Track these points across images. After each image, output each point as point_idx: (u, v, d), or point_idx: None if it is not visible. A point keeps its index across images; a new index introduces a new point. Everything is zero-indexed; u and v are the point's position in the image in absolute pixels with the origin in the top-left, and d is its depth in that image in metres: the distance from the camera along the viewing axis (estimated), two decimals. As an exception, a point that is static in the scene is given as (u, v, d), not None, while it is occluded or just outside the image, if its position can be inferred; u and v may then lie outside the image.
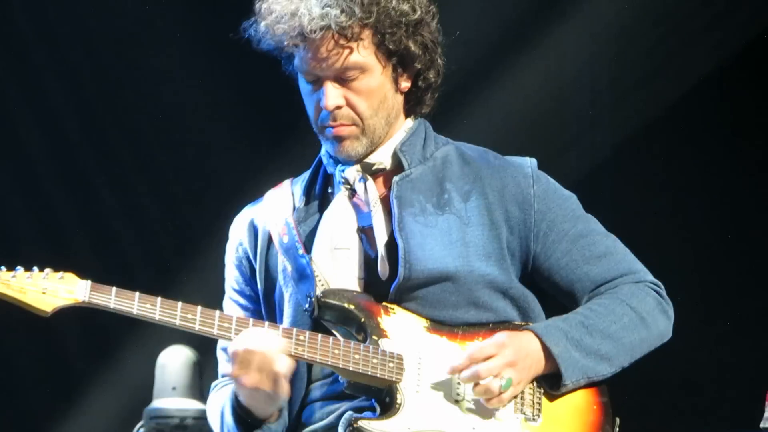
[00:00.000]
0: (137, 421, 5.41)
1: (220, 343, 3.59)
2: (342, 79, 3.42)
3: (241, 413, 3.34)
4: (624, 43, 5.91)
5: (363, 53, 3.41)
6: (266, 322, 3.34)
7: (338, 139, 3.45)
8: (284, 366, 3.24)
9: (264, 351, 3.21)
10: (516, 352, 3.32)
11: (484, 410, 3.32)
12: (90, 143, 6.31)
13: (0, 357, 6.22)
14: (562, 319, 3.43)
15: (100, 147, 6.31)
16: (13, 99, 6.20)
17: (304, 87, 3.49)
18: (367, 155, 3.49)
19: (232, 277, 3.64)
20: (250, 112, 6.19)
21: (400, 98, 3.53)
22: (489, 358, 3.29)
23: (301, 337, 3.28)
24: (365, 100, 3.44)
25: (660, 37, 5.88)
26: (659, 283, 3.55)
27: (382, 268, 3.41)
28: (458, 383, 3.33)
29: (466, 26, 5.27)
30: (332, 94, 3.42)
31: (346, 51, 3.39)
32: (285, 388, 3.28)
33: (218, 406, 3.48)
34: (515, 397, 3.35)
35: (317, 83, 3.45)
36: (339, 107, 3.42)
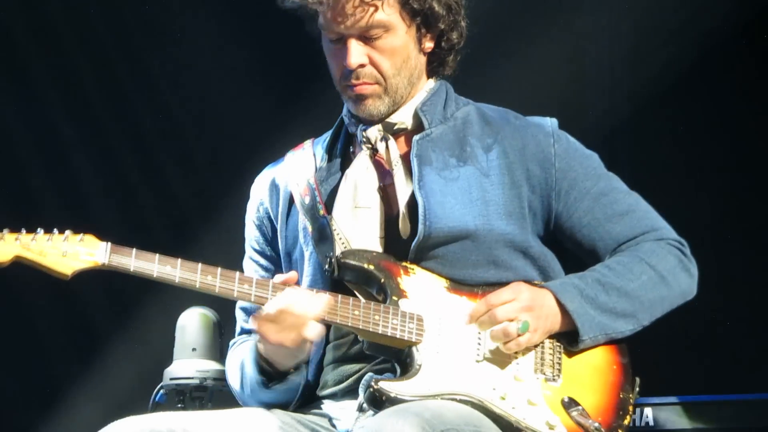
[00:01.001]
0: (157, 382, 5.42)
1: (239, 303, 3.61)
2: (366, 37, 3.42)
3: (263, 364, 3.35)
4: (642, 8, 5.88)
5: (387, 11, 3.41)
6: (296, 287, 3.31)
7: (360, 98, 3.45)
8: (313, 333, 3.24)
9: (299, 314, 3.21)
10: (533, 299, 3.33)
11: (504, 371, 3.32)
12: (109, 104, 6.31)
13: (22, 320, 6.25)
14: (578, 276, 3.43)
15: (118, 107, 6.32)
16: (37, 66, 6.21)
17: (327, 46, 3.49)
18: (388, 115, 3.49)
19: (252, 237, 3.65)
20: (271, 70, 6.18)
21: (423, 59, 3.53)
22: (506, 303, 3.30)
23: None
24: (388, 59, 3.43)
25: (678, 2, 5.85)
26: (682, 240, 3.54)
27: (403, 226, 3.41)
28: (478, 344, 3.33)
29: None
30: (355, 52, 3.41)
31: (371, 9, 3.39)
32: (308, 350, 3.30)
33: (238, 360, 3.50)
34: (535, 347, 3.35)
35: (340, 42, 3.44)
36: (362, 65, 3.42)
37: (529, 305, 3.31)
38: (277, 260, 3.59)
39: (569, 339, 3.39)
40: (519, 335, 3.29)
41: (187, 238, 6.04)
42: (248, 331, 3.57)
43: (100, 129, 6.32)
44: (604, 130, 5.74)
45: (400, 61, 3.45)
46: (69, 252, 3.11)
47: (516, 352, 3.34)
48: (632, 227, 3.49)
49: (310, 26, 3.51)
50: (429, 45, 3.52)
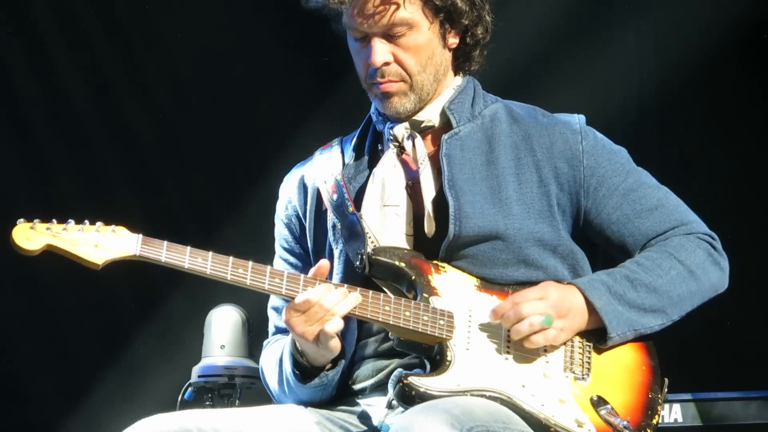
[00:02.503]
0: (186, 379, 5.44)
1: (271, 302, 3.62)
2: (389, 35, 3.42)
3: (300, 359, 3.36)
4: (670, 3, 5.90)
5: (410, 9, 3.40)
6: (329, 281, 3.32)
7: (386, 96, 3.45)
8: (332, 327, 3.24)
9: (328, 307, 3.22)
10: (560, 298, 3.32)
11: (533, 369, 3.32)
12: (136, 97, 6.34)
13: (49, 318, 6.28)
14: (606, 273, 3.42)
15: (146, 101, 6.34)
16: (60, 56, 6.24)
17: (352, 44, 3.49)
18: (415, 112, 3.49)
19: (281, 236, 3.66)
20: (299, 66, 6.19)
21: (449, 55, 3.52)
22: (532, 300, 3.30)
23: None
24: (413, 57, 3.43)
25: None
26: (713, 234, 3.53)
27: (429, 225, 3.41)
28: (508, 341, 3.33)
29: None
30: (380, 51, 3.41)
31: (393, 7, 3.39)
32: (334, 345, 3.29)
33: (274, 357, 3.51)
34: (564, 345, 3.35)
35: (365, 40, 3.44)
36: (387, 63, 3.42)
37: (555, 304, 3.31)
38: (306, 258, 3.59)
39: (598, 336, 3.38)
40: (543, 329, 3.29)
41: (214, 233, 6.06)
42: (282, 330, 3.58)
43: (128, 123, 6.35)
44: (633, 124, 5.74)
45: (425, 58, 3.45)
46: (101, 242, 3.12)
47: (545, 350, 3.34)
48: (662, 222, 3.48)
49: (336, 25, 3.51)
50: (453, 41, 3.51)
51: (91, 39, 6.27)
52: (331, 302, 3.22)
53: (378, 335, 3.43)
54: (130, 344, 6.32)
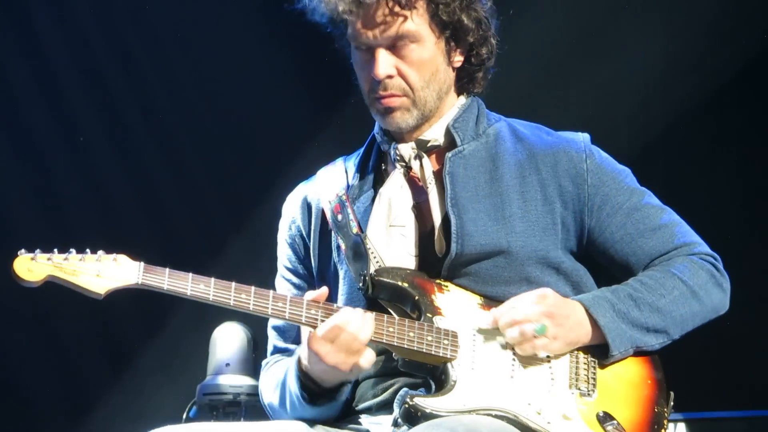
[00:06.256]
0: (191, 397, 5.44)
1: (271, 321, 3.62)
2: (394, 48, 3.41)
3: (306, 381, 3.33)
4: (678, 23, 5.89)
5: (416, 22, 3.40)
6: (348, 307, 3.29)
7: (389, 111, 3.44)
8: (368, 361, 3.24)
9: (353, 332, 3.21)
10: (557, 308, 3.32)
11: (539, 386, 3.32)
12: (140, 119, 6.35)
13: (55, 336, 6.28)
14: (610, 290, 3.43)
15: (150, 119, 6.35)
16: (65, 75, 6.25)
17: (356, 59, 3.48)
18: (417, 127, 3.48)
19: (284, 255, 3.65)
20: (304, 85, 6.20)
21: (452, 73, 3.52)
22: (527, 304, 3.30)
23: None
24: (417, 72, 3.43)
25: (715, 17, 5.84)
26: (715, 255, 3.53)
27: (438, 244, 3.41)
28: (513, 359, 3.33)
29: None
30: (383, 62, 3.41)
31: (400, 19, 3.39)
32: (356, 375, 3.30)
33: (275, 379, 3.50)
34: (569, 362, 3.35)
35: (369, 53, 3.43)
36: (390, 76, 3.42)
37: (551, 311, 3.31)
38: (309, 278, 3.59)
39: (599, 352, 3.39)
40: (535, 337, 3.29)
41: (219, 250, 6.07)
42: (281, 350, 3.59)
43: (132, 144, 6.35)
44: (638, 144, 5.74)
45: (429, 74, 3.44)
46: (102, 272, 3.12)
47: (550, 367, 3.34)
48: (665, 242, 3.48)
49: (340, 42, 3.52)
50: (458, 59, 3.51)
51: (96, 55, 6.28)
52: (356, 327, 3.21)
53: (382, 355, 3.41)
54: (135, 362, 6.32)
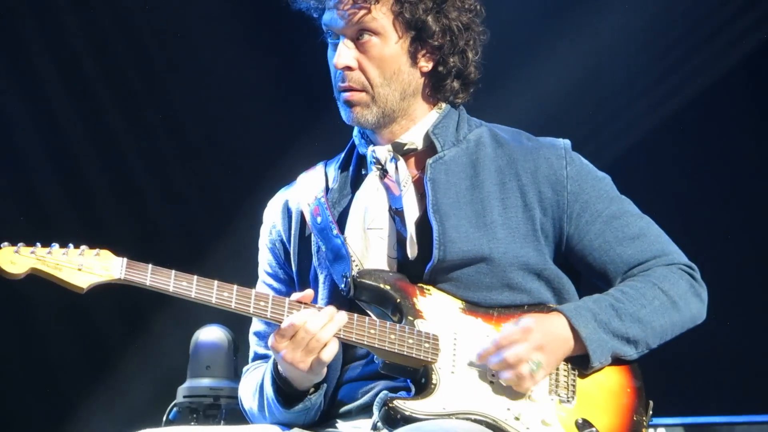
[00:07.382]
0: (171, 399, 5.43)
1: (253, 327, 3.62)
2: (357, 41, 3.43)
3: (281, 384, 3.36)
4: (658, 27, 5.91)
5: (379, 17, 3.42)
6: (316, 305, 3.33)
7: (349, 105, 3.46)
8: (329, 354, 3.25)
9: (313, 332, 3.22)
10: (543, 336, 3.32)
11: (518, 392, 3.33)
12: (123, 116, 6.34)
13: (35, 335, 6.27)
14: (592, 300, 3.43)
15: (133, 121, 6.34)
16: (46, 72, 6.24)
17: (330, 54, 3.50)
18: (384, 126, 3.48)
19: (265, 261, 3.65)
20: (287, 89, 6.20)
21: (419, 76, 3.50)
22: (515, 343, 3.30)
23: None
24: (377, 68, 3.44)
25: (696, 19, 5.86)
26: (693, 265, 3.54)
27: (411, 248, 3.42)
28: (493, 363, 3.34)
29: (508, 11, 5.32)
30: (344, 53, 3.43)
31: (363, 11, 3.41)
32: (323, 371, 3.31)
33: (253, 383, 3.51)
34: (549, 375, 3.35)
35: (336, 45, 3.46)
36: (350, 68, 3.43)
37: (539, 344, 3.31)
38: (290, 283, 3.59)
39: (580, 361, 3.40)
40: (532, 376, 3.30)
41: (201, 254, 6.06)
42: (262, 357, 3.59)
43: (115, 143, 6.34)
44: (619, 151, 5.76)
45: (390, 72, 3.45)
46: (85, 266, 3.13)
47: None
48: (643, 251, 3.49)
49: (323, 36, 3.52)
50: (425, 64, 3.49)
51: (81, 59, 6.27)
52: (316, 326, 3.22)
53: (363, 358, 3.43)
54: (116, 364, 6.30)
